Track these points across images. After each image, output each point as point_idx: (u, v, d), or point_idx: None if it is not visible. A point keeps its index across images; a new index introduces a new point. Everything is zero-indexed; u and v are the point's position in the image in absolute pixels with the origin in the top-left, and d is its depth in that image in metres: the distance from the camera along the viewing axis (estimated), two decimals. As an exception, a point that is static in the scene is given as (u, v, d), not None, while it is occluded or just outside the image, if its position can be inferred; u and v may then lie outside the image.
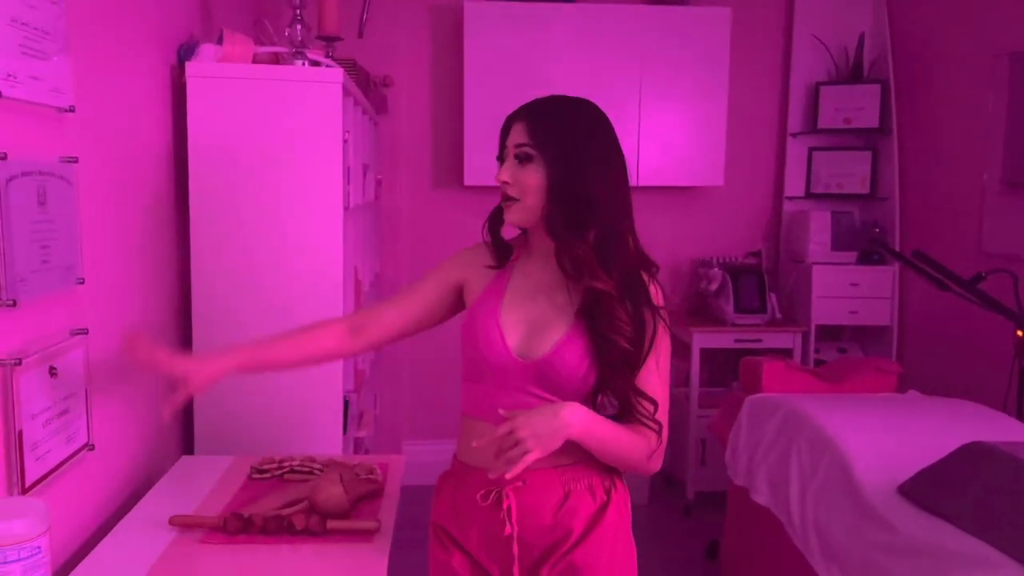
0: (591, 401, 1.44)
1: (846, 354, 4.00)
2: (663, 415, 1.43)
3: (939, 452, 2.04)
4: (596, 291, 1.37)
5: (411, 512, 2.22)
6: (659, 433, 1.42)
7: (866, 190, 4.01)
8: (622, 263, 1.40)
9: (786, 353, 3.78)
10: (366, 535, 1.61)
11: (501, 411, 1.33)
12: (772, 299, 3.88)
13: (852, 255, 3.91)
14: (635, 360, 1.39)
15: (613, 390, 1.42)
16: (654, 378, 1.42)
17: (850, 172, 4.03)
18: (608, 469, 1.47)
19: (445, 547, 1.50)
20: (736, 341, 3.83)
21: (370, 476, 1.84)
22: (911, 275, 3.68)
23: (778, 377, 2.89)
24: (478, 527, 1.45)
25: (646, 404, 1.40)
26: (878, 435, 2.30)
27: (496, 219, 1.51)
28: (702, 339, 3.82)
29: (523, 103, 1.45)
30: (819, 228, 3.89)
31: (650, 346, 1.40)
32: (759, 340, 3.83)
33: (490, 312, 1.45)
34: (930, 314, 3.68)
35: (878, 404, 2.63)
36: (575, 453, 1.41)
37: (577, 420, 1.33)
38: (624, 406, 1.42)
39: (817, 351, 3.96)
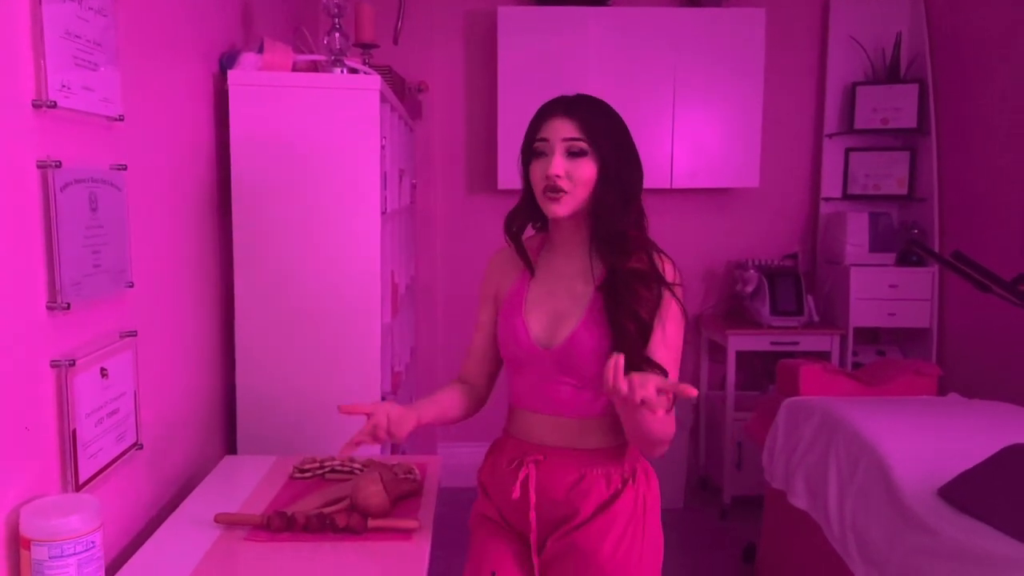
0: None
1: (885, 357, 3.95)
2: None
3: (979, 455, 2.02)
4: (626, 268, 1.45)
5: (448, 513, 2.24)
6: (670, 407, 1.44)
7: (904, 191, 3.97)
8: (647, 245, 1.51)
9: (823, 356, 3.75)
10: (406, 534, 1.63)
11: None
12: (809, 301, 3.85)
13: (890, 257, 3.86)
14: (650, 333, 1.45)
15: (631, 366, 1.40)
16: (660, 349, 1.46)
17: (888, 173, 3.99)
18: (629, 460, 1.54)
19: (486, 497, 1.65)
20: (772, 344, 3.81)
21: (409, 476, 1.87)
22: (951, 277, 3.63)
23: (816, 380, 2.87)
24: (505, 489, 1.57)
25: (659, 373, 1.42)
26: (917, 438, 2.27)
27: (517, 219, 1.57)
28: (738, 341, 3.80)
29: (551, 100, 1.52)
30: (856, 229, 3.85)
31: (655, 313, 1.45)
32: (796, 343, 3.80)
33: (515, 309, 1.56)
34: (971, 316, 3.63)
35: (917, 407, 2.61)
36: (597, 440, 1.52)
37: None
38: None
39: (855, 354, 3.91)
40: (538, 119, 1.50)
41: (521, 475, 1.53)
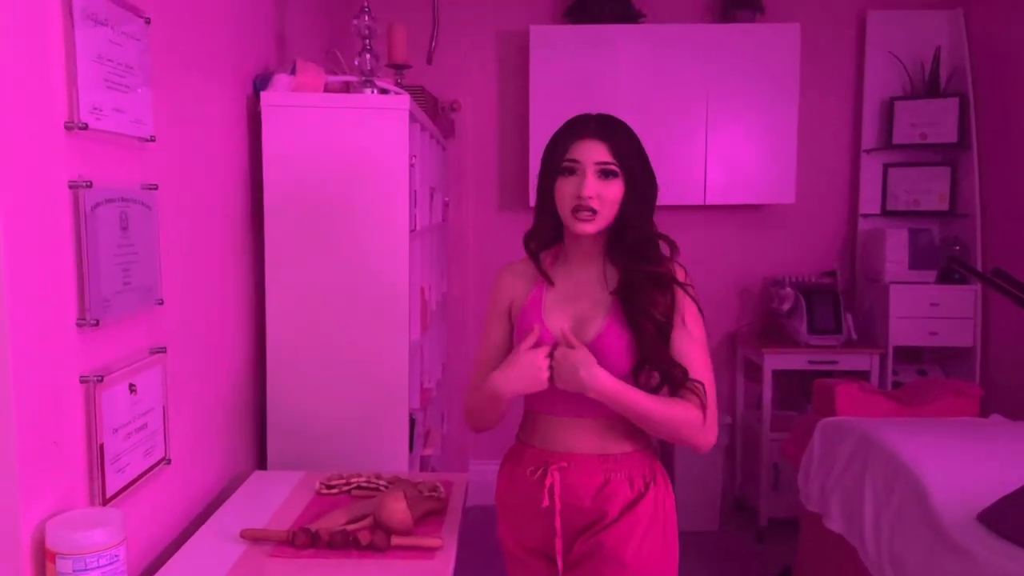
0: (632, 379, 1.55)
1: (926, 376, 3.86)
2: (706, 380, 1.54)
3: (1022, 478, 1.96)
4: (640, 272, 1.54)
5: (476, 532, 2.23)
6: (701, 396, 1.51)
7: (945, 207, 3.88)
8: (663, 248, 1.59)
9: (863, 375, 3.68)
10: (429, 552, 1.63)
11: (565, 329, 1.53)
12: (848, 319, 3.77)
13: (931, 274, 3.77)
14: (669, 332, 1.54)
15: (652, 362, 1.54)
16: (688, 345, 1.54)
17: (928, 188, 3.91)
18: (649, 463, 1.60)
19: (504, 520, 1.69)
20: (810, 363, 3.74)
21: (433, 494, 1.87)
22: (995, 294, 3.54)
23: (852, 400, 2.82)
24: (526, 499, 1.60)
25: (679, 370, 1.52)
26: (956, 460, 2.22)
27: (535, 239, 1.65)
28: (774, 360, 3.74)
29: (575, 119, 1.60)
30: (896, 246, 3.77)
31: (673, 314, 1.54)
32: (834, 362, 3.73)
33: (535, 315, 1.60)
34: (1016, 334, 3.53)
35: (957, 428, 2.54)
36: (621, 444, 1.58)
37: (595, 385, 1.48)
38: (663, 376, 1.55)
39: (896, 373, 3.83)
40: (566, 139, 1.56)
41: (547, 483, 1.56)
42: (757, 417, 3.88)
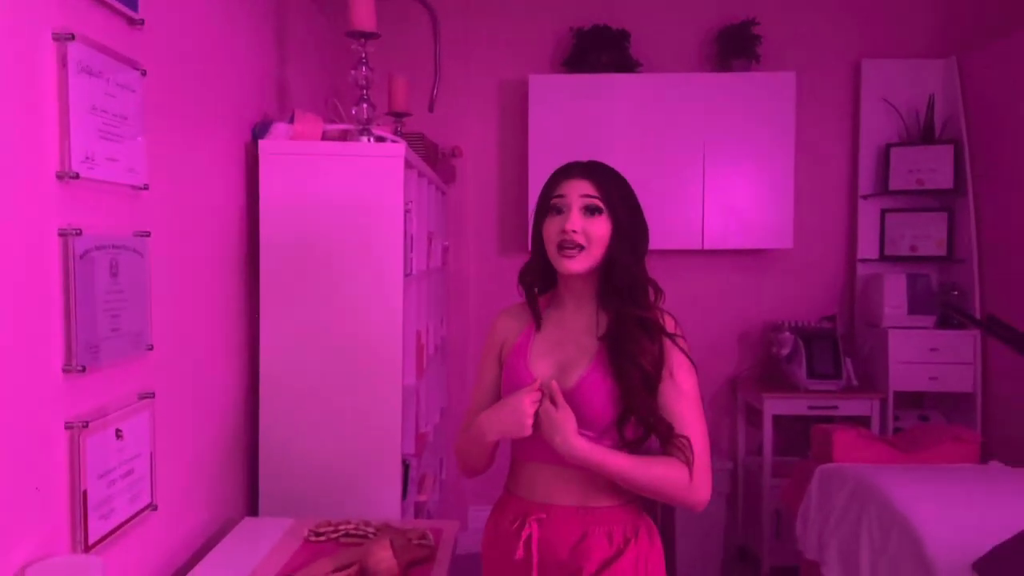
0: (616, 430, 1.50)
1: (928, 422, 3.83)
2: (695, 437, 1.48)
3: (1019, 526, 1.93)
4: (630, 317, 1.51)
5: (469, 579, 2.21)
6: (687, 454, 1.47)
7: (943, 252, 3.89)
8: (653, 296, 1.57)
9: (863, 420, 3.65)
10: (414, 601, 1.61)
11: (553, 385, 1.49)
12: (848, 364, 3.76)
13: (930, 319, 3.77)
14: (655, 383, 1.50)
15: (636, 413, 1.49)
16: (675, 399, 1.50)
17: (925, 234, 3.92)
18: (632, 518, 1.54)
19: (487, 569, 1.64)
20: (810, 408, 3.72)
21: (422, 541, 1.86)
22: (994, 339, 3.53)
23: (850, 446, 2.79)
24: (506, 551, 1.55)
25: (663, 425, 1.48)
26: (953, 508, 2.19)
27: (528, 275, 1.62)
28: (774, 405, 3.72)
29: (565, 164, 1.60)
30: (894, 291, 3.77)
31: (661, 365, 1.50)
32: (835, 407, 3.71)
33: (521, 362, 1.58)
34: (1016, 380, 3.50)
35: (955, 475, 2.51)
36: (603, 497, 1.53)
37: (570, 453, 1.45)
38: (647, 430, 1.50)
39: (897, 418, 3.80)
40: (554, 179, 1.58)
41: (524, 534, 1.52)
42: (758, 463, 3.85)
